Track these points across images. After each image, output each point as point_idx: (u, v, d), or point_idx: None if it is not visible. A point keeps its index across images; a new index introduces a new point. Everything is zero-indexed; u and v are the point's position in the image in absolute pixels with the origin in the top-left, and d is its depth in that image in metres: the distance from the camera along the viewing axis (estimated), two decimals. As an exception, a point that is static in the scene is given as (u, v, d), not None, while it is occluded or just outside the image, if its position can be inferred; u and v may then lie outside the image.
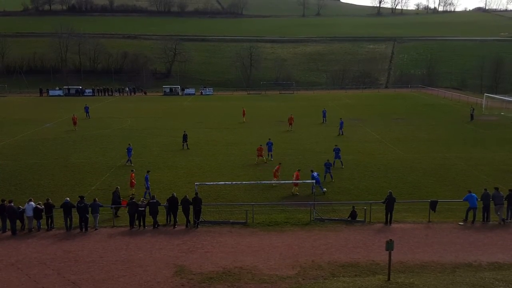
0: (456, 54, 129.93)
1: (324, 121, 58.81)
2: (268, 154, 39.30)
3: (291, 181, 29.95)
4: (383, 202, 25.05)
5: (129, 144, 39.54)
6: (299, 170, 31.49)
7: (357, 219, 25.20)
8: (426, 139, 48.27)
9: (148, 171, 31.56)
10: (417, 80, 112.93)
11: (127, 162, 37.98)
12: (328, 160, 34.22)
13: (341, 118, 50.60)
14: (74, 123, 54.42)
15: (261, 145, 39.13)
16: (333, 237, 23.30)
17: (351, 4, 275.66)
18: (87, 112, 63.75)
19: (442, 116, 64.66)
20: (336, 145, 38.11)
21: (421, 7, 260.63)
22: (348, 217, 25.32)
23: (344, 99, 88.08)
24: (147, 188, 29.74)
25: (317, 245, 22.31)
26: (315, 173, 30.47)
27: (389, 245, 18.54)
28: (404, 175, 34.63)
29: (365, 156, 40.28)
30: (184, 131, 44.87)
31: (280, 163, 33.76)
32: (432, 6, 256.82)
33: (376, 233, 23.68)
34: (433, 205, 25.40)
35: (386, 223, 24.85)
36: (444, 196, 28.82)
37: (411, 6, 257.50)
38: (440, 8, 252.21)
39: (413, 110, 71.39)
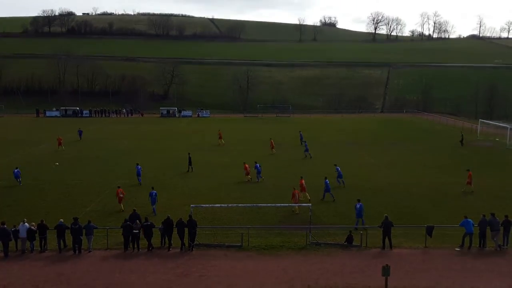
0: (451, 80, 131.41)
1: (302, 143, 57.77)
2: (257, 177, 39.81)
3: (300, 204, 29.58)
4: (380, 227, 24.95)
5: (137, 164, 39.96)
6: (302, 177, 33.60)
7: (353, 244, 25.05)
8: (422, 163, 48.38)
9: (152, 187, 32.11)
10: (412, 105, 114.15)
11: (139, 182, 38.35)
12: (326, 177, 34.73)
13: (335, 165, 41.20)
14: (59, 144, 55.40)
15: (244, 162, 40.35)
16: (329, 261, 23.12)
17: (347, 30, 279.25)
18: (80, 135, 63.57)
19: (437, 141, 64.97)
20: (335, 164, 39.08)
21: (416, 33, 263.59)
22: (345, 242, 25.17)
23: (340, 123, 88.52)
24: (153, 203, 30.79)
25: (313, 269, 22.11)
26: (327, 180, 33.06)
27: (386, 271, 18.41)
28: (400, 199, 34.58)
29: (360, 180, 40.25)
30: (189, 154, 44.62)
31: (294, 188, 32.70)
32: (426, 33, 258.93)
33: (372, 258, 23.51)
34: (429, 230, 25.27)
35: (383, 247, 24.69)
36: (440, 221, 28.72)
37: (406, 33, 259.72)
38: (435, 35, 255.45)
39: (408, 135, 71.78)
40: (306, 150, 51.94)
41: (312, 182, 36.37)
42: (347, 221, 29.05)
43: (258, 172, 40.03)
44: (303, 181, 33.75)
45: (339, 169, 39.05)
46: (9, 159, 48.09)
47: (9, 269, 21.94)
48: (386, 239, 24.73)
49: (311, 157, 50.90)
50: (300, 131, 64.50)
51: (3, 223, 24.08)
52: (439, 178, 41.49)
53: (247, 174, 39.72)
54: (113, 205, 32.41)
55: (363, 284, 20.48)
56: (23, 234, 23.86)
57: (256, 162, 41.15)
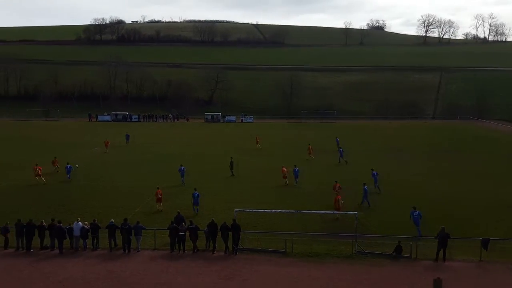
0: (508, 85, 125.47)
1: (339, 149, 55.28)
2: (295, 180, 40.50)
3: (346, 212, 28.94)
4: (436, 238, 23.99)
5: (181, 165, 41.84)
6: (336, 181, 34.07)
7: (402, 255, 24.21)
8: (476, 173, 46.34)
9: (195, 188, 32.96)
10: (466, 111, 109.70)
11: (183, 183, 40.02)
12: (364, 184, 34.54)
13: (372, 170, 40.73)
14: (106, 146, 58.80)
15: (282, 166, 41.14)
16: (377, 272, 22.50)
17: (396, 33, 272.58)
18: (127, 139, 64.99)
19: (493, 149, 62.24)
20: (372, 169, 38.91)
21: (470, 36, 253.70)
22: (393, 252, 24.35)
23: (388, 129, 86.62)
24: (196, 204, 31.95)
25: (360, 279, 21.62)
26: (366, 187, 33.01)
27: (437, 284, 17.71)
28: (453, 210, 33.18)
29: (410, 189, 39.10)
30: (231, 158, 45.38)
31: (337, 193, 32.65)
32: (481, 35, 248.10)
33: (423, 270, 22.63)
34: (485, 243, 23.89)
35: (436, 260, 23.68)
36: (497, 234, 27.12)
37: (460, 36, 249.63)
38: (490, 38, 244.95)
39: (462, 143, 69.26)
40: (341, 155, 51.69)
41: (356, 188, 35.72)
42: (396, 231, 28.14)
43: (296, 176, 40.54)
44: (338, 185, 35.12)
45: (376, 173, 38.65)
46: (63, 161, 49.98)
47: (63, 265, 22.84)
48: (441, 251, 23.69)
49: (346, 162, 50.48)
50: (337, 137, 64.18)
51: (59, 222, 25.14)
52: (496, 188, 39.52)
53: (284, 177, 40.36)
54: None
55: (412, 295, 19.83)
56: (77, 232, 24.83)
57: (295, 166, 41.47)
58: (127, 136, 65.56)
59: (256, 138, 63.87)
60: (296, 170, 40.99)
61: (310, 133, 79.20)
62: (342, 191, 33.94)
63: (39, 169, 40.93)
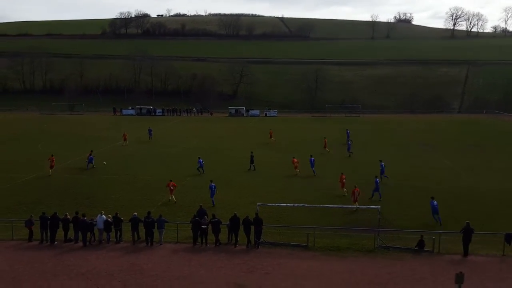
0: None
1: (348, 141, 56.21)
2: (313, 171, 42.14)
3: (368, 207, 28.84)
4: (461, 232, 23.72)
5: (199, 157, 43.47)
6: (355, 186, 32.67)
7: (424, 249, 24.02)
8: (503, 168, 45.45)
9: (211, 180, 34.13)
10: (493, 105, 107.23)
11: (200, 172, 42.09)
12: (376, 176, 34.80)
13: (380, 161, 41.36)
14: (124, 139, 59.42)
15: (293, 157, 42.45)
16: (399, 266, 22.36)
17: (423, 26, 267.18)
18: (150, 134, 64.28)
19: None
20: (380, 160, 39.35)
21: (499, 29, 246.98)
22: (416, 246, 24.18)
23: (414, 123, 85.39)
24: (212, 195, 32.84)
25: (381, 273, 21.51)
26: (435, 202, 29.21)
27: (459, 278, 17.51)
28: (477, 205, 32.75)
29: (434, 183, 38.57)
30: (251, 152, 45.53)
31: (356, 186, 32.73)
32: (510, 29, 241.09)
33: (445, 265, 22.44)
34: (508, 238, 23.68)
35: (465, 254, 23.50)
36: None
37: (488, 29, 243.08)
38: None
39: (488, 137, 67.82)
40: (349, 149, 52.55)
41: (369, 180, 35.39)
42: (418, 225, 27.94)
43: (312, 165, 42.26)
44: (344, 177, 35.33)
45: (383, 165, 40.01)
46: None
47: (87, 258, 23.32)
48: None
49: (349, 155, 51.45)
50: (347, 129, 63.93)
51: (83, 215, 25.65)
52: (521, 183, 38.77)
53: (296, 168, 41.99)
54: (183, 200, 33.51)
55: (435, 291, 19.64)
56: (100, 225, 25.29)
57: (311, 156, 43.19)
58: (150, 131, 64.83)
59: (270, 132, 64.20)
60: (312, 160, 42.58)
61: (334, 127, 78.60)
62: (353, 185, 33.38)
63: (52, 160, 42.62)
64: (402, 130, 75.45)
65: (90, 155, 45.41)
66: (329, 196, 34.43)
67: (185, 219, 27.47)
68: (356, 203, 31.24)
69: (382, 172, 39.24)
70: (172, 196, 33.41)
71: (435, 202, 28.98)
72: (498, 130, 76.83)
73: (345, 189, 34.59)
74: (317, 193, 35.75)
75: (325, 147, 54.19)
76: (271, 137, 62.93)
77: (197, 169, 42.47)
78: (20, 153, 52.73)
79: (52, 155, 43.47)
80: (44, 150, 54.79)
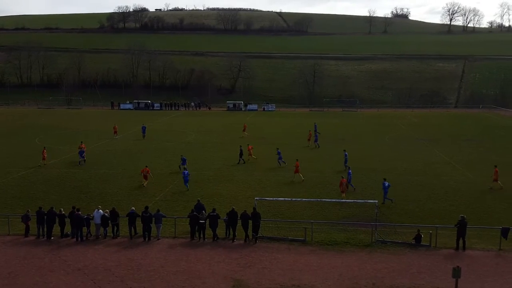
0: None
1: (316, 134, 57.39)
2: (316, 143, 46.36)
3: (366, 201, 29.00)
4: (455, 226, 23.82)
5: (182, 155, 42.76)
6: (342, 177, 33.78)
7: (421, 243, 24.11)
8: (499, 162, 45.27)
9: (185, 167, 37.65)
10: (489, 100, 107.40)
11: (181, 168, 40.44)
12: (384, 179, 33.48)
13: (344, 150, 43.78)
14: (115, 132, 59.49)
15: (297, 160, 39.72)
16: (396, 260, 22.43)
17: (420, 21, 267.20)
18: (143, 132, 60.12)
19: (516, 138, 60.97)
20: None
21: (495, 25, 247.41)
22: (412, 239, 24.28)
23: (411, 118, 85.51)
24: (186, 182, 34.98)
25: (379, 268, 21.56)
26: (386, 183, 31.86)
27: (456, 272, 17.58)
28: (474, 199, 32.87)
29: (431, 177, 38.65)
30: (240, 146, 45.60)
31: (342, 176, 34.14)
32: (506, 24, 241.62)
33: (442, 259, 22.53)
34: (504, 232, 23.80)
35: (457, 248, 23.61)
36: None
37: (484, 24, 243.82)
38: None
39: (484, 132, 67.94)
40: (316, 140, 54.52)
41: (375, 179, 35.44)
42: (415, 220, 28.03)
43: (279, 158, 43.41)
44: (345, 180, 33.76)
45: (347, 154, 42.20)
46: (86, 149, 50.85)
47: (84, 253, 23.27)
48: (460, 240, 23.60)
49: (317, 146, 53.14)
50: (315, 123, 64.73)
51: (78, 210, 25.51)
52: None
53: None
54: (181, 195, 33.54)
55: (432, 285, 19.71)
56: (97, 220, 25.20)
57: (277, 149, 44.67)
58: (143, 128, 60.47)
59: (244, 125, 64.69)
60: (279, 152, 43.88)
61: (333, 122, 78.66)
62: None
63: (44, 152, 43.43)
64: (399, 124, 75.52)
65: (81, 149, 44.55)
66: (326, 190, 34.41)
67: (183, 214, 27.46)
68: (344, 194, 32.37)
69: (345, 161, 41.62)
70: (145, 182, 35.78)
71: (386, 183, 31.49)
72: (494, 124, 76.98)
73: (343, 195, 32.74)
74: (315, 187, 35.74)
75: (309, 139, 55.43)
76: (244, 130, 63.15)
77: (180, 167, 40.83)
78: (17, 148, 52.56)
79: (44, 148, 44.41)
80: (42, 144, 54.68)
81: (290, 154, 45.60)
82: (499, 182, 35.32)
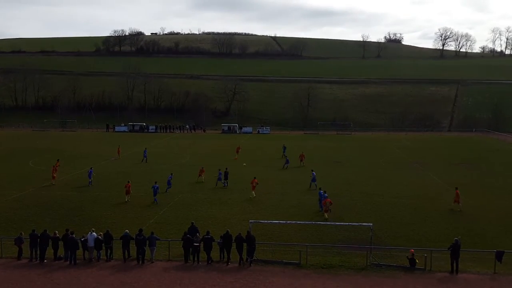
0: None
1: (283, 156, 60.87)
2: (311, 184, 43.59)
3: (361, 224, 29.03)
4: (448, 249, 23.83)
5: (171, 173, 44.19)
6: (326, 196, 34.66)
7: (416, 267, 24.06)
8: (493, 185, 45.88)
9: (155, 182, 39.09)
10: (483, 124, 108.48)
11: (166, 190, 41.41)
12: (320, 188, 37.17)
13: (312, 170, 46.03)
14: (118, 153, 61.60)
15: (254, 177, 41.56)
16: (391, 284, 22.37)
17: (413, 46, 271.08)
18: (145, 155, 59.12)
19: (509, 162, 61.43)
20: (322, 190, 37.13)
21: (487, 50, 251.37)
22: (408, 261, 24.23)
23: (404, 141, 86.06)
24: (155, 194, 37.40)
25: (373, 291, 21.45)
26: (321, 191, 35.56)
27: (451, 296, 17.53)
28: (468, 222, 32.95)
29: (425, 201, 38.77)
30: (226, 168, 45.64)
31: (327, 196, 34.97)
32: (498, 49, 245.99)
33: (437, 283, 22.50)
34: (499, 256, 23.84)
35: (451, 271, 23.59)
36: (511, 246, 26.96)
37: (476, 49, 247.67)
38: (507, 52, 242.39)
39: (478, 155, 68.41)
40: (287, 162, 55.62)
41: (369, 202, 35.51)
42: (410, 243, 28.00)
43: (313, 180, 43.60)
44: (329, 200, 34.29)
45: (315, 174, 44.01)
46: (81, 171, 50.76)
47: (77, 276, 23.03)
48: (454, 263, 23.60)
49: (284, 168, 54.02)
50: (284, 145, 66.45)
51: (71, 233, 25.34)
52: (511, 201, 39.06)
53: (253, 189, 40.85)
54: (175, 217, 33.38)
55: (427, 309, 19.61)
56: (91, 243, 25.00)
57: (312, 171, 45.41)
58: (145, 152, 59.57)
59: (238, 148, 65.09)
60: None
61: (327, 145, 79.07)
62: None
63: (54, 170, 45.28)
64: (393, 147, 75.93)
65: (91, 169, 45.84)
66: (320, 214, 34.39)
67: (177, 237, 27.30)
68: (326, 213, 33.34)
69: (313, 180, 43.50)
70: (128, 197, 37.77)
71: (321, 192, 35.25)
72: (488, 148, 77.58)
73: (326, 215, 33.53)
74: (310, 210, 35.71)
75: (301, 160, 56.96)
76: (237, 152, 63.56)
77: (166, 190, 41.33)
78: (11, 170, 52.28)
79: (58, 160, 49.03)
80: (35, 167, 54.50)
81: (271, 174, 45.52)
82: (460, 204, 36.02)
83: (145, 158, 59.16)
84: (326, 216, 33.21)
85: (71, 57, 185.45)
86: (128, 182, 39.24)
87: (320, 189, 37.63)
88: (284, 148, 64.89)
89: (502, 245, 26.96)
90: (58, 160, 50.53)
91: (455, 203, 36.22)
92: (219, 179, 44.58)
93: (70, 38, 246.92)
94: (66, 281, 22.44)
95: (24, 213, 34.46)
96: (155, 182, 38.84)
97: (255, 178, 41.40)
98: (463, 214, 35.04)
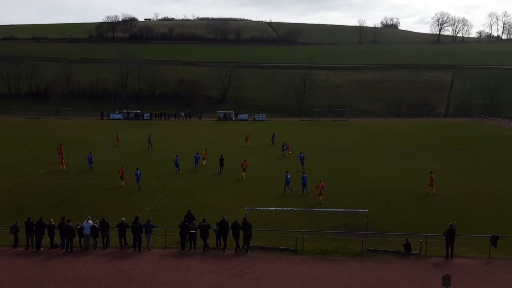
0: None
1: (273, 143, 62.59)
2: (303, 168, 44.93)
3: (356, 210, 29.17)
4: (444, 234, 23.98)
5: (176, 155, 45.99)
6: (320, 181, 34.87)
7: (412, 252, 24.22)
8: (488, 171, 46.07)
9: (137, 168, 39.06)
10: (479, 109, 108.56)
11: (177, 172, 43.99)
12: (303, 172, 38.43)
13: (301, 152, 48.18)
14: (117, 140, 62.13)
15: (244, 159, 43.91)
16: (386, 269, 22.51)
17: (410, 31, 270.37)
18: (149, 142, 59.97)
19: (505, 147, 61.68)
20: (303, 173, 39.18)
21: (484, 35, 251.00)
22: (403, 246, 24.40)
23: (400, 127, 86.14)
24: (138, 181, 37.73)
25: (369, 276, 21.62)
26: (288, 175, 36.80)
27: (446, 281, 17.68)
28: (463, 207, 33.13)
29: (421, 186, 38.89)
30: (221, 155, 45.73)
31: (320, 180, 35.18)
32: (495, 34, 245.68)
33: (432, 267, 22.65)
34: (494, 240, 24.02)
35: (446, 256, 23.76)
36: (507, 231, 27.12)
37: (473, 34, 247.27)
38: (504, 36, 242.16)
39: (474, 141, 68.64)
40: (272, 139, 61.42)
41: (365, 189, 35.57)
42: (406, 228, 28.17)
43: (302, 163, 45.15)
44: (322, 184, 34.71)
45: (303, 156, 46.39)
46: (76, 159, 50.57)
47: (73, 264, 23.06)
48: (449, 248, 23.77)
49: (283, 156, 53.35)
50: (273, 131, 67.17)
51: (68, 221, 25.31)
52: (507, 186, 39.30)
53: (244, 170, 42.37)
54: (171, 205, 33.39)
55: (422, 294, 19.78)
56: (87, 231, 25.00)
57: (301, 153, 47.45)
58: (149, 139, 60.28)
59: (247, 136, 64.73)
60: (301, 156, 46.62)
61: (324, 132, 79.11)
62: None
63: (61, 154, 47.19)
64: (389, 134, 76.00)
65: (90, 154, 47.40)
66: (317, 200, 34.48)
67: (173, 224, 27.33)
68: (321, 197, 33.92)
69: (301, 162, 45.45)
70: (123, 183, 38.34)
71: (305, 176, 36.75)
72: (484, 133, 77.82)
73: (321, 197, 34.20)
74: (306, 197, 35.78)
75: (246, 140, 61.84)
76: (246, 140, 63.58)
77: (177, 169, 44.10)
78: (5, 158, 52.00)
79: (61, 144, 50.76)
80: (30, 155, 54.25)
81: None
82: (433, 188, 36.73)
83: (149, 145, 59.76)
84: (321, 200, 33.70)
85: (64, 43, 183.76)
86: (122, 167, 39.49)
87: (303, 173, 38.69)
88: (273, 135, 65.00)
89: (497, 230, 27.10)
90: (61, 144, 51.82)
91: (429, 186, 36.98)
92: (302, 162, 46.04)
93: (63, 24, 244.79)
94: (63, 268, 22.46)
95: (19, 201, 34.36)
96: (137, 169, 38.82)
97: (245, 160, 43.30)
98: (458, 199, 35.22)
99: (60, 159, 46.50)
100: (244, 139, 63.96)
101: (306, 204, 33.40)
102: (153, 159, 51.96)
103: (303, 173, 38.79)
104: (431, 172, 38.08)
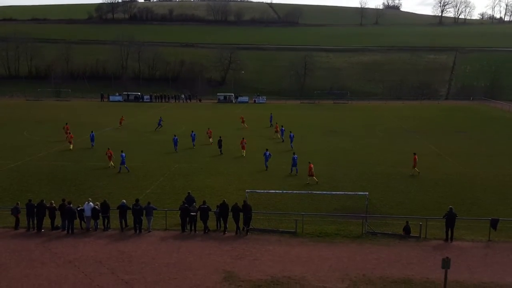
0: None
1: (271, 125, 62.48)
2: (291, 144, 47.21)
3: (356, 193, 29.30)
4: (443, 217, 24.05)
5: (192, 131, 49.26)
6: (309, 162, 35.48)
7: (411, 235, 24.32)
8: (489, 154, 46.06)
9: (122, 150, 39.19)
10: (480, 92, 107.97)
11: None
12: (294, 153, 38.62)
13: (290, 132, 50.49)
14: (120, 123, 62.62)
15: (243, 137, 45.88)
16: (386, 251, 22.61)
17: (411, 13, 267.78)
18: (159, 124, 61.40)
19: (506, 130, 61.57)
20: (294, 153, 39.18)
21: (486, 16, 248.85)
22: (402, 232, 24.50)
23: (401, 110, 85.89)
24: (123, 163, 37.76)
25: (369, 259, 21.73)
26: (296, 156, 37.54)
27: (445, 263, 17.72)
28: (463, 190, 33.18)
29: (422, 169, 38.79)
30: (220, 137, 46.13)
31: (309, 162, 35.70)
32: (497, 16, 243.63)
33: (431, 250, 22.76)
34: (494, 223, 24.09)
35: (446, 239, 23.83)
36: (506, 214, 27.28)
37: (475, 16, 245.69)
38: (507, 18, 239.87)
39: (475, 123, 68.50)
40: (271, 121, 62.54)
41: (365, 172, 35.57)
42: (406, 211, 28.25)
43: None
44: (311, 165, 35.10)
45: (293, 135, 48.29)
46: (77, 140, 50.43)
47: (74, 245, 23.18)
48: (449, 231, 23.84)
49: (283, 141, 52.17)
50: (271, 113, 67.81)
51: (69, 203, 25.38)
52: (507, 169, 39.33)
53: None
54: (171, 187, 33.47)
55: (421, 276, 19.91)
56: (88, 213, 25.08)
57: (290, 132, 48.93)
58: (160, 121, 61.86)
59: (242, 117, 65.30)
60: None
61: (324, 114, 78.91)
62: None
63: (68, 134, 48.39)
64: (390, 116, 75.81)
65: (92, 132, 48.86)
66: (316, 184, 34.52)
67: (174, 206, 27.42)
68: (313, 177, 34.47)
69: (291, 141, 47.52)
70: (111, 163, 38.98)
71: (295, 157, 37.28)
72: (485, 116, 77.60)
73: (315, 178, 34.78)
74: (306, 180, 35.82)
75: (243, 122, 63.10)
76: (243, 122, 63.97)
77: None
78: (6, 140, 51.97)
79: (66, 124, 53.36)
80: (31, 137, 54.21)
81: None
82: (416, 168, 37.27)
83: (159, 126, 60.95)
84: (316, 180, 34.37)
85: (64, 24, 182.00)
86: (108, 149, 40.20)
87: (294, 153, 38.82)
88: (271, 117, 65.27)
89: (497, 213, 27.28)
90: (66, 123, 53.83)
91: (413, 168, 37.32)
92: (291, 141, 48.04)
93: (62, 5, 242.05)
94: (64, 250, 22.58)
95: (20, 182, 34.45)
96: (122, 151, 39.04)
97: (243, 138, 45.22)
98: (459, 182, 35.24)
99: (68, 138, 47.65)
100: (241, 122, 64.07)
101: (306, 187, 33.42)
102: (153, 141, 51.89)
103: (293, 153, 39.00)
104: (414, 154, 38.25)
